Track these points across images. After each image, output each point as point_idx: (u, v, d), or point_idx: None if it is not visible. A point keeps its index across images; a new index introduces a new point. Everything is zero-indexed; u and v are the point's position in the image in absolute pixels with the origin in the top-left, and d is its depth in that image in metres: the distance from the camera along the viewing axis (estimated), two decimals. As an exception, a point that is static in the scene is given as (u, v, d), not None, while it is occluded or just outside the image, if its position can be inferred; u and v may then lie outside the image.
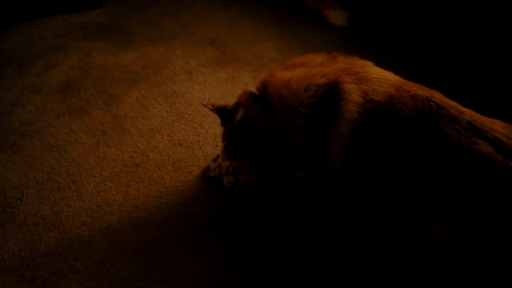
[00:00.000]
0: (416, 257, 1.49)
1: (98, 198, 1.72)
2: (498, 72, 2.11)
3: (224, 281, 1.45)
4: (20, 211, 1.68)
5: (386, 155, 1.23)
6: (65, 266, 1.50)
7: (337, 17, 2.73)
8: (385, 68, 1.35)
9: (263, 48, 2.55)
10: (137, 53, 2.52)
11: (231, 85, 2.28)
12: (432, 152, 1.16)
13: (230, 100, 1.58)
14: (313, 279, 1.45)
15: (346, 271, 1.47)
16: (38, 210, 1.68)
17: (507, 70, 2.06)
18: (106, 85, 2.28)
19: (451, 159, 1.13)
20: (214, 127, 2.01)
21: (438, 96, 1.21)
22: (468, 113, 1.17)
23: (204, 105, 1.61)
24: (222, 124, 1.56)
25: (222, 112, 1.54)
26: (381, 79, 1.28)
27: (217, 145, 1.92)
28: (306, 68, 1.36)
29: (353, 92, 1.25)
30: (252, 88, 1.50)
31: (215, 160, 1.76)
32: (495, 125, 1.15)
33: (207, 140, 1.95)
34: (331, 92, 1.27)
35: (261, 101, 1.42)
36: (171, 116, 2.09)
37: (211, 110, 1.55)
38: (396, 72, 1.35)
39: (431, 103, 1.18)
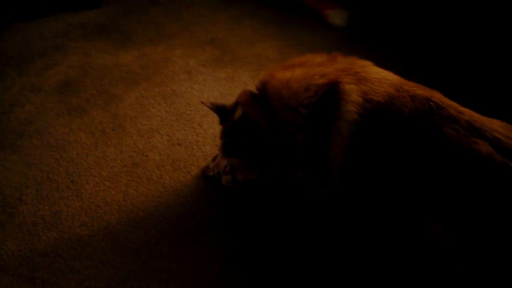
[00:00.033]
0: (416, 257, 1.49)
1: (97, 198, 1.72)
2: (498, 72, 2.11)
3: (224, 281, 1.45)
4: (19, 211, 1.68)
5: (386, 155, 1.23)
6: (64, 266, 1.50)
7: (337, 17, 2.73)
8: (385, 68, 1.35)
9: (263, 48, 2.55)
10: (137, 53, 2.52)
11: (231, 85, 2.28)
12: (432, 152, 1.16)
13: (229, 100, 1.57)
14: (313, 279, 1.45)
15: (346, 271, 1.47)
16: (37, 210, 1.68)
17: (507, 70, 2.07)
18: (106, 85, 2.28)
19: (450, 159, 1.13)
20: (213, 127, 2.01)
21: (437, 96, 1.21)
22: (468, 113, 1.17)
23: (203, 103, 1.61)
24: (221, 123, 1.57)
25: (221, 110, 1.54)
26: (381, 79, 1.28)
27: (216, 145, 1.92)
28: (305, 68, 1.36)
29: (352, 92, 1.25)
30: (252, 88, 1.50)
31: (214, 159, 1.76)
32: (495, 125, 1.15)
33: (206, 140, 1.95)
34: (331, 92, 1.27)
35: (261, 101, 1.42)
36: (170, 116, 2.09)
37: (210, 108, 1.55)
38: (396, 72, 1.35)
39: (431, 103, 1.19)
